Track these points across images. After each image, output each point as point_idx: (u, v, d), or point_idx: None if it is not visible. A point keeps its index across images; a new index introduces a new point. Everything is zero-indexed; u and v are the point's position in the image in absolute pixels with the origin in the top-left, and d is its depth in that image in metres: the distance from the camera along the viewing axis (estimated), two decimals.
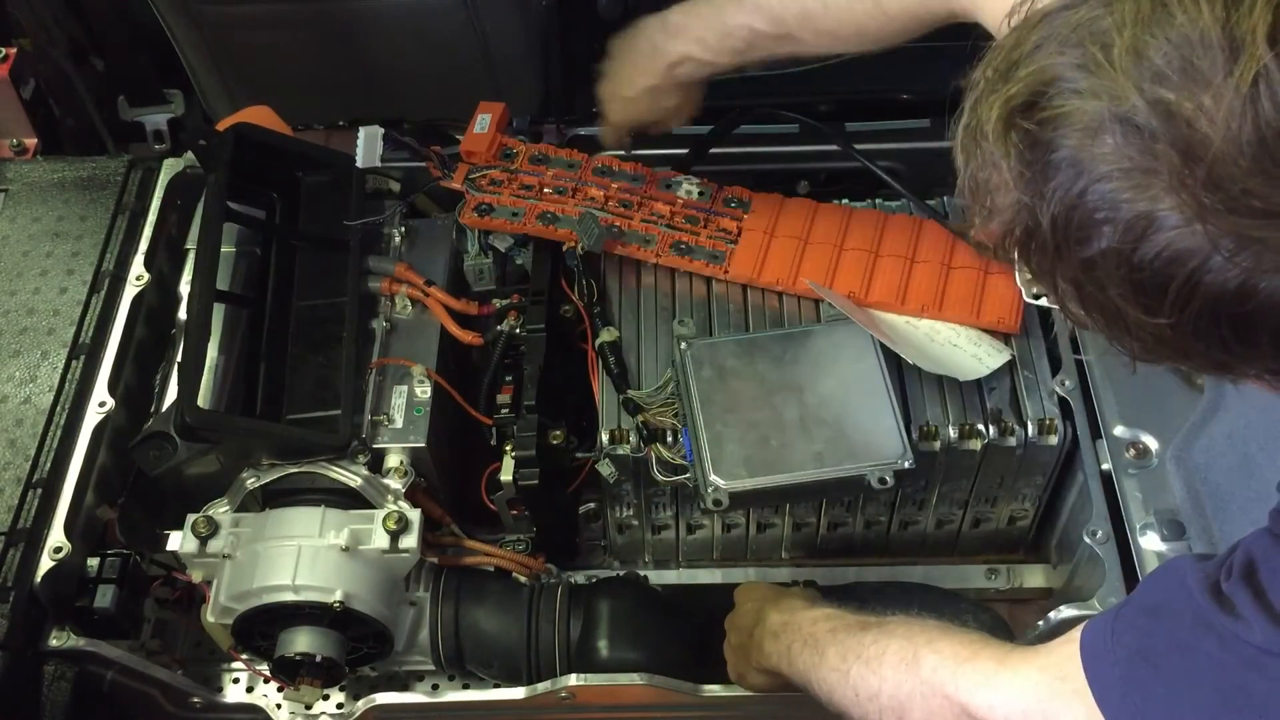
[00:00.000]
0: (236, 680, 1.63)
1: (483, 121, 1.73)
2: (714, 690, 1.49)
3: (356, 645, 1.50)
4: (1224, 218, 0.72)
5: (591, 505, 1.66)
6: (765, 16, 1.42)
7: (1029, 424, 1.50)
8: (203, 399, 1.48)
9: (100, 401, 1.57)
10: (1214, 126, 0.72)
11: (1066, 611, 1.42)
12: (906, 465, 1.41)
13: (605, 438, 1.49)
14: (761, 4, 1.41)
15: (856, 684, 1.20)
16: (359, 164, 1.75)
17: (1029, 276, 1.06)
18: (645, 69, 1.55)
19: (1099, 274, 0.79)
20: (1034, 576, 1.70)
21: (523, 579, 1.59)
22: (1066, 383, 1.53)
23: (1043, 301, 1.06)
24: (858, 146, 1.75)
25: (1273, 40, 0.70)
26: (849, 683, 1.20)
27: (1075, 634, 1.03)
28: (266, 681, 1.58)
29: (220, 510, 1.50)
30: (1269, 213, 0.72)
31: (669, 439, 1.47)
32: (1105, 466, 1.52)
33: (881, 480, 1.40)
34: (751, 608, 1.44)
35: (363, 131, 1.79)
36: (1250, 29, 0.71)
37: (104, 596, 1.45)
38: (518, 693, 1.50)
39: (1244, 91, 0.71)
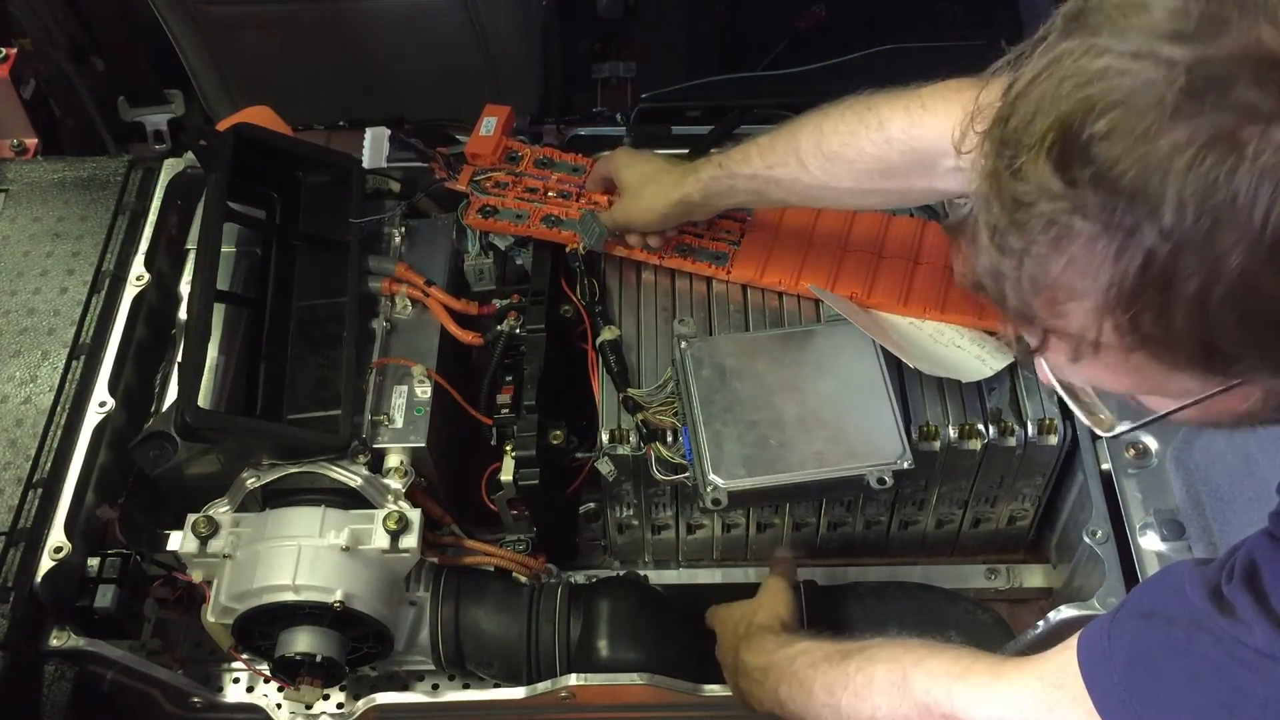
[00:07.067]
0: (237, 680, 1.63)
1: (488, 124, 1.73)
2: (714, 690, 1.48)
3: (356, 645, 1.51)
4: None
5: (591, 505, 1.66)
6: (745, 199, 1.50)
7: (1029, 424, 1.49)
8: (203, 399, 1.48)
9: (100, 401, 1.57)
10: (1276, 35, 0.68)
11: (1066, 612, 1.42)
12: (906, 465, 1.41)
13: (605, 437, 1.49)
14: (739, 189, 1.47)
15: (849, 716, 1.18)
16: (365, 164, 1.75)
17: (1064, 382, 0.89)
18: (671, 190, 1.55)
19: (1246, 264, 0.68)
20: (1034, 576, 1.70)
21: (523, 579, 1.59)
22: None
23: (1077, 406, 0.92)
24: None
25: None
26: (841, 716, 1.19)
27: (1071, 641, 1.03)
28: (267, 681, 1.58)
29: (220, 510, 1.50)
30: None
31: (668, 438, 1.47)
32: (1105, 466, 1.52)
33: (881, 480, 1.40)
34: (728, 645, 1.43)
35: (369, 133, 1.80)
36: None
37: (104, 596, 1.45)
38: (518, 693, 1.50)
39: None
